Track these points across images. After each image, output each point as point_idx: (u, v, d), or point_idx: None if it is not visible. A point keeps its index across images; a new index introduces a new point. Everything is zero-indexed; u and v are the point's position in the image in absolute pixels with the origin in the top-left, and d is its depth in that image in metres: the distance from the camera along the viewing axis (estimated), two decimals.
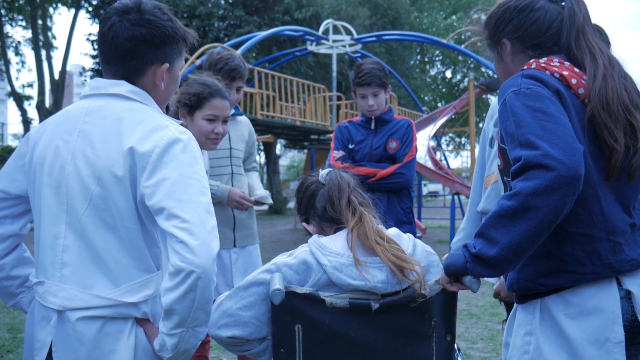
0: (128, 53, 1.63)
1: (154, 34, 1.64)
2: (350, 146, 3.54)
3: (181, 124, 1.68)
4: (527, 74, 1.58)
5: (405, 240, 1.74)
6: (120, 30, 1.62)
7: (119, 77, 1.67)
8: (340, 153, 3.54)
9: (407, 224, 3.43)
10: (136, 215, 1.57)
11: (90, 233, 1.56)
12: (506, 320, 2.67)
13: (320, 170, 1.90)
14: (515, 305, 1.72)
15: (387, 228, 1.80)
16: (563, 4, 1.67)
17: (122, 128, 1.57)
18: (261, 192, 3.31)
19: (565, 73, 1.59)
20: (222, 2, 19.97)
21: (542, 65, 1.62)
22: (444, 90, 33.96)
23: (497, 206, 1.47)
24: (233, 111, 3.32)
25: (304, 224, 1.88)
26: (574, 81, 1.58)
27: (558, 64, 1.61)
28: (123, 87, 1.64)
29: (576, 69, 1.61)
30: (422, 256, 1.73)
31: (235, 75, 3.15)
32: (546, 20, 1.67)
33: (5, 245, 1.76)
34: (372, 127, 3.53)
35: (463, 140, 29.33)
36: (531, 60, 1.65)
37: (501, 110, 1.57)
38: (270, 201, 3.30)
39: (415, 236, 1.81)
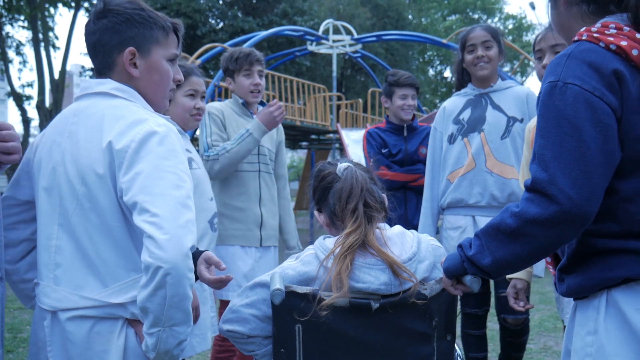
0: (96, 45, 1.66)
1: (115, 20, 1.65)
2: (384, 150, 3.77)
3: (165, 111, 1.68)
4: (575, 55, 1.37)
5: (410, 237, 1.73)
6: (88, 27, 1.68)
7: (101, 75, 1.69)
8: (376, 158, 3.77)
9: None
10: (120, 213, 1.55)
11: (79, 233, 1.56)
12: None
13: (339, 161, 1.83)
14: (574, 305, 1.53)
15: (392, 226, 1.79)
16: None
17: (103, 125, 1.56)
18: (293, 243, 3.41)
19: (624, 44, 1.34)
20: (220, 2, 19.95)
21: (595, 35, 1.38)
22: (444, 90, 33.92)
23: (500, 217, 1.41)
24: (259, 107, 3.30)
25: (316, 213, 1.85)
26: (634, 52, 1.34)
27: (615, 32, 1.37)
28: (108, 85, 1.65)
29: (638, 35, 1.36)
30: (427, 252, 1.72)
31: (252, 59, 3.18)
32: None
33: (18, 249, 1.77)
34: (405, 133, 3.83)
35: None
36: (582, 30, 1.42)
37: (537, 98, 1.41)
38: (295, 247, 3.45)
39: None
